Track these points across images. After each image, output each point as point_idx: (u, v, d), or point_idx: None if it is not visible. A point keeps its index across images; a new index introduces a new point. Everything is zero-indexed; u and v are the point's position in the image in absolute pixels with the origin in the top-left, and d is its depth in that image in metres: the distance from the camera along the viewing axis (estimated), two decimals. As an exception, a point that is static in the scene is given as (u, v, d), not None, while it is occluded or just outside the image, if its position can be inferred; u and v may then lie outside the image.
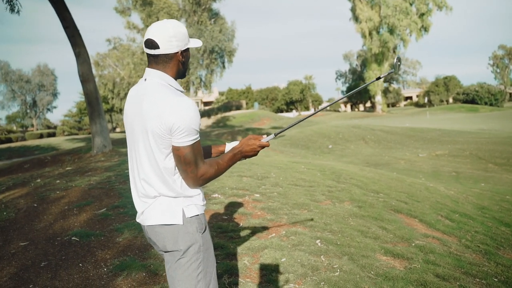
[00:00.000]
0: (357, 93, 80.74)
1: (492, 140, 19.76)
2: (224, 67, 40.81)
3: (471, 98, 63.66)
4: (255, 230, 4.43)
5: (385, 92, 72.25)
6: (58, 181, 7.05)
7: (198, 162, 1.82)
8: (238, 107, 60.67)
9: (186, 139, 1.78)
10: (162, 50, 1.85)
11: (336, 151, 19.90)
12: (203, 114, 55.10)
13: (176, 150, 1.80)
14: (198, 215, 1.90)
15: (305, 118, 2.18)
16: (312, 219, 4.76)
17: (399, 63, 2.19)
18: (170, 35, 1.84)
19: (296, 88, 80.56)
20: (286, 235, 4.28)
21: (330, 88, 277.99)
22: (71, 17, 12.26)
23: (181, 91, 1.92)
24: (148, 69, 1.91)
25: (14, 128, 66.95)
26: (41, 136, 42.95)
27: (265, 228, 4.47)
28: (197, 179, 1.83)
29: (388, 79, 79.50)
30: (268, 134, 2.25)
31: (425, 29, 53.09)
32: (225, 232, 4.33)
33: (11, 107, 67.74)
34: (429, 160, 16.12)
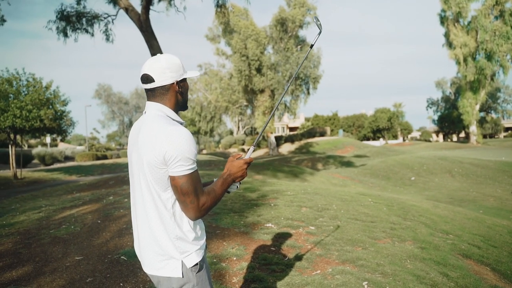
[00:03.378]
0: (450, 123, 76.35)
1: None
2: (308, 93, 40.87)
3: None
4: (300, 265, 4.25)
5: (481, 121, 67.52)
6: (126, 200, 7.41)
7: (198, 192, 1.78)
8: (322, 134, 60.20)
9: (181, 168, 1.74)
10: (158, 82, 1.87)
11: (418, 184, 18.82)
12: (287, 139, 55.47)
13: (172, 180, 1.77)
14: (197, 263, 1.86)
15: (263, 129, 2.09)
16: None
17: (319, 22, 2.23)
18: (164, 67, 1.86)
19: (383, 116, 78.22)
20: (331, 274, 4.05)
21: (421, 116, 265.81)
22: (158, 45, 13.10)
23: (180, 122, 1.91)
24: (147, 103, 1.93)
25: (113, 146, 72.48)
26: (134, 154, 45.75)
27: (311, 264, 4.27)
28: (199, 210, 1.78)
29: (485, 108, 74.26)
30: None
31: (529, 55, 49.00)
32: (268, 265, 4.21)
33: (110, 126, 73.67)
34: (525, 198, 14.60)
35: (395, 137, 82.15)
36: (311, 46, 2.20)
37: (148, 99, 1.93)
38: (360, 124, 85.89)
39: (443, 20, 52.72)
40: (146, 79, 1.88)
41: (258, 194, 7.38)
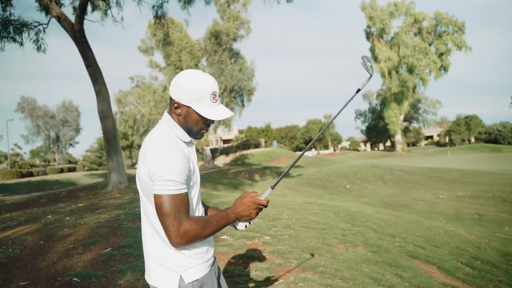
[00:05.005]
0: (377, 132, 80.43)
1: (517, 181, 19.15)
2: (243, 105, 41.19)
3: (494, 138, 62.52)
4: (262, 275, 4.24)
5: (405, 131, 71.68)
6: (68, 218, 7.01)
7: (180, 216, 1.65)
8: (257, 145, 60.83)
9: (162, 187, 1.65)
10: (170, 91, 1.81)
11: (354, 191, 19.55)
12: (222, 152, 55.43)
13: (154, 198, 1.69)
14: (198, 279, 1.77)
15: (294, 163, 1.99)
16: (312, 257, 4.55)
17: (369, 63, 1.98)
18: (178, 82, 1.77)
19: (315, 127, 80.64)
20: (294, 282, 4.08)
21: (349, 127, 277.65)
22: (93, 56, 12.61)
23: (185, 141, 1.81)
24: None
25: (37, 162, 68.27)
26: (61, 170, 43.55)
27: (272, 274, 4.28)
28: (179, 236, 1.64)
29: (408, 118, 79.01)
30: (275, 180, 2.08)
31: (445, 68, 53.01)
32: (230, 277, 4.16)
33: (35, 142, 69.44)
34: (450, 201, 15.64)
35: (326, 147, 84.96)
36: (358, 90, 1.94)
37: None
38: (292, 135, 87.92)
39: (368, 35, 55.73)
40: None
41: (208, 207, 7.30)
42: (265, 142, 72.43)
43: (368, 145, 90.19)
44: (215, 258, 1.98)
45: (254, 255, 4.80)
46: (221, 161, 50.58)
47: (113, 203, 8.20)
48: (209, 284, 1.83)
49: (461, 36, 51.06)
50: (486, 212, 13.34)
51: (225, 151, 55.27)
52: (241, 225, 1.91)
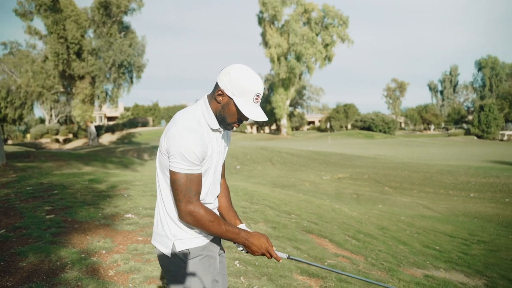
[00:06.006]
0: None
1: (387, 165, 21.46)
2: (132, 82, 39.68)
3: (368, 126, 68.67)
4: (172, 252, 4.32)
5: (290, 116, 75.21)
6: None
7: (190, 195, 1.80)
8: (145, 124, 59.24)
9: (178, 165, 1.79)
10: (218, 78, 1.87)
11: (243, 172, 20.18)
12: (108, 129, 52.95)
13: (170, 173, 1.83)
14: (189, 250, 1.89)
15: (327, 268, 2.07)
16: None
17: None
18: (230, 71, 1.84)
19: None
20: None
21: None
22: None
23: (211, 127, 1.90)
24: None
25: None
26: None
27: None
28: (184, 212, 1.80)
29: (293, 104, 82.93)
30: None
31: (329, 58, 56.54)
32: (141, 254, 4.17)
33: None
34: (332, 182, 17.01)
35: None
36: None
37: None
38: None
39: (260, 21, 56.99)
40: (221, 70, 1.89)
41: (107, 186, 7.08)
42: (153, 121, 70.71)
43: (255, 127, 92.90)
44: (221, 248, 2.10)
45: (162, 233, 4.84)
46: (107, 139, 48.36)
47: (-4, 182, 7.52)
48: (205, 258, 1.93)
49: (345, 30, 54.83)
50: (362, 192, 14.80)
51: (111, 129, 52.90)
52: (239, 246, 1.98)
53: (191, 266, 1.88)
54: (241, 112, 1.85)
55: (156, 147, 34.26)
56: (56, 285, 3.49)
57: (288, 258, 1.99)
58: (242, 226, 2.05)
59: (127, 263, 3.95)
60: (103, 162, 17.97)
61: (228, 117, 1.88)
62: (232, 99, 1.84)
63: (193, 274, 1.88)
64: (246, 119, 1.87)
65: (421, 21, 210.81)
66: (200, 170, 1.83)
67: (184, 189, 1.79)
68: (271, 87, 78.16)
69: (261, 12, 55.89)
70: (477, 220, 10.30)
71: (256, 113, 1.86)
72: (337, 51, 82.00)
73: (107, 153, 27.32)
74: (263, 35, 57.43)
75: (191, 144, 1.76)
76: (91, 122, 42.36)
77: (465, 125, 69.91)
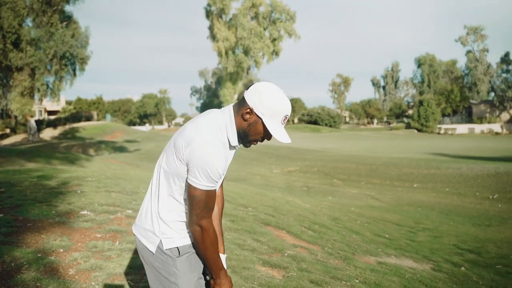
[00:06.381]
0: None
1: (335, 158, 22.09)
2: (75, 74, 38.09)
3: (314, 120, 70.20)
4: (133, 248, 4.26)
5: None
6: None
7: (206, 211, 1.80)
8: (89, 118, 57.19)
9: (200, 182, 1.76)
10: (245, 93, 1.85)
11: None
12: (49, 124, 50.69)
13: (189, 186, 1.79)
14: (177, 247, 1.89)
15: None
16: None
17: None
18: (260, 91, 1.82)
19: (150, 102, 79.23)
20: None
21: (184, 103, 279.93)
22: None
23: (231, 145, 1.87)
24: (234, 104, 1.91)
25: None
26: None
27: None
28: (195, 225, 1.81)
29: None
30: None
31: (276, 53, 57.03)
32: (101, 252, 4.09)
33: None
34: (282, 175, 17.30)
35: (160, 122, 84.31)
36: None
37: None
38: (126, 109, 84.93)
39: (208, 14, 56.45)
40: (248, 86, 1.88)
41: (58, 182, 6.82)
42: (97, 115, 68.45)
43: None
44: None
45: (121, 229, 4.76)
46: (48, 134, 46.24)
47: None
48: (192, 256, 1.93)
49: (292, 25, 55.46)
50: (312, 184, 15.17)
51: (53, 123, 50.61)
52: (208, 273, 1.99)
53: (179, 263, 1.88)
54: (267, 132, 1.84)
55: (102, 142, 33.36)
56: (13, 287, 3.36)
57: None
58: (223, 257, 2.10)
59: (88, 261, 3.86)
60: (47, 158, 17.23)
61: (252, 135, 1.86)
62: (261, 118, 1.82)
63: (180, 271, 1.88)
64: (269, 138, 1.88)
65: (365, 18, 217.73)
66: (217, 186, 1.83)
67: (203, 205, 1.78)
68: (218, 81, 77.97)
69: (208, 5, 55.38)
70: (421, 209, 10.87)
71: (283, 135, 1.85)
72: (285, 46, 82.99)
73: (50, 148, 26.25)
74: (211, 28, 56.98)
75: (217, 162, 1.74)
76: (31, 117, 40.36)
77: (405, 119, 73.08)
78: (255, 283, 3.74)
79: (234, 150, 1.94)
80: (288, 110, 1.83)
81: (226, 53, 56.52)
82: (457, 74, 72.42)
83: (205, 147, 1.73)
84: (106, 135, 44.52)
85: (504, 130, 56.60)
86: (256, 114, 1.81)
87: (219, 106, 59.96)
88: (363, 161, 20.37)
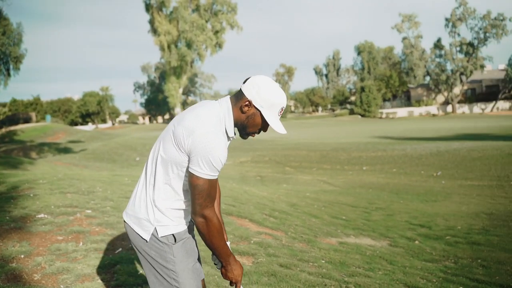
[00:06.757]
0: (156, 105, 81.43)
1: (286, 146, 22.44)
2: (9, 74, 36.07)
3: (260, 110, 70.55)
4: (99, 247, 4.18)
5: (184, 104, 74.48)
6: None
7: (209, 200, 1.79)
8: (27, 120, 54.37)
9: (203, 171, 1.76)
10: (243, 87, 1.88)
11: (143, 163, 19.69)
12: (-18, 128, 47.71)
13: (191, 176, 1.79)
14: (173, 234, 1.89)
15: None
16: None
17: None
18: (259, 84, 1.85)
19: (92, 100, 76.51)
20: (132, 248, 4.15)
21: (127, 99, 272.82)
22: None
23: (228, 136, 1.89)
24: (231, 96, 1.93)
25: None
26: None
27: (110, 245, 4.26)
28: (199, 215, 1.80)
29: (186, 92, 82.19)
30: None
31: (219, 45, 56.80)
32: (66, 254, 3.97)
33: None
34: (235, 166, 17.36)
35: (104, 121, 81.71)
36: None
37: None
38: (67, 109, 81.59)
39: (148, 7, 55.19)
40: (245, 80, 1.90)
41: (7, 186, 6.49)
42: (36, 116, 65.24)
43: (147, 118, 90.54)
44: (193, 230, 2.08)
45: (83, 229, 4.64)
46: (-18, 139, 43.55)
47: None
48: (187, 242, 1.95)
49: (234, 17, 55.37)
50: (265, 173, 15.35)
51: (-14, 128, 47.73)
52: (217, 263, 2.03)
53: (175, 250, 1.89)
54: (264, 124, 1.90)
55: (44, 144, 31.85)
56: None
57: None
58: (228, 243, 2.10)
59: (53, 264, 3.74)
60: (-15, 164, 16.25)
61: (250, 127, 1.91)
62: (259, 110, 1.87)
63: (177, 258, 1.89)
64: (266, 130, 1.93)
65: (306, 8, 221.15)
66: (217, 176, 1.85)
67: (206, 194, 1.78)
68: (162, 75, 76.49)
69: (148, -2, 54.19)
70: (372, 190, 11.32)
71: (280, 126, 1.90)
72: (227, 38, 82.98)
73: (-14, 154, 24.73)
74: (151, 22, 55.78)
75: (219, 151, 1.75)
76: (-38, 122, 37.81)
77: (349, 106, 75.23)
78: (227, 271, 3.78)
79: (229, 142, 1.97)
80: (284, 102, 1.89)
81: (169, 47, 55.66)
82: (394, 60, 75.25)
83: (208, 136, 1.75)
84: (48, 136, 42.57)
85: (440, 112, 59.69)
86: (254, 106, 1.86)
87: (164, 101, 59.11)
88: (314, 148, 20.84)
